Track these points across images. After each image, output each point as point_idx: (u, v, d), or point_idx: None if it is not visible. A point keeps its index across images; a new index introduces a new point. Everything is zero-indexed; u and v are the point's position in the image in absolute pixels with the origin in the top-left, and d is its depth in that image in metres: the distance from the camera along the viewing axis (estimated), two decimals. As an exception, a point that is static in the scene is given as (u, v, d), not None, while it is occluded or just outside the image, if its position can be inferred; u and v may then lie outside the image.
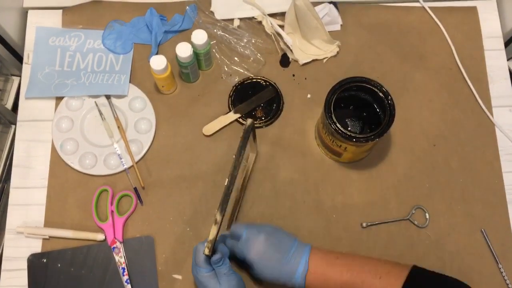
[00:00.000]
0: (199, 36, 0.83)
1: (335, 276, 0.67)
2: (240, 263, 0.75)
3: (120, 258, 0.79)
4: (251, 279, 0.77)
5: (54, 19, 0.94)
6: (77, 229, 0.80)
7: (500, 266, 0.80)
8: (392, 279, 0.65)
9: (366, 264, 0.69)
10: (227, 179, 0.67)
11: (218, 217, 0.65)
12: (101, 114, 0.87)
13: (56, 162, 0.85)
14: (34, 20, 0.95)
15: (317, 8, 0.93)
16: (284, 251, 0.69)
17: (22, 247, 0.80)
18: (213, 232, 0.65)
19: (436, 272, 0.67)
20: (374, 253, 0.80)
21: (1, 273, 0.80)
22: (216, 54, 0.92)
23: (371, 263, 0.69)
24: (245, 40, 0.92)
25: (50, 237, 0.80)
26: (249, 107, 0.88)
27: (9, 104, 1.01)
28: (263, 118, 0.88)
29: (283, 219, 0.82)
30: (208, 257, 0.66)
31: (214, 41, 0.92)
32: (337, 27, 0.94)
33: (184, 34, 0.94)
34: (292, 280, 0.68)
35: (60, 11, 0.95)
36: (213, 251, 0.67)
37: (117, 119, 0.87)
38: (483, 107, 0.89)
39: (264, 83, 0.91)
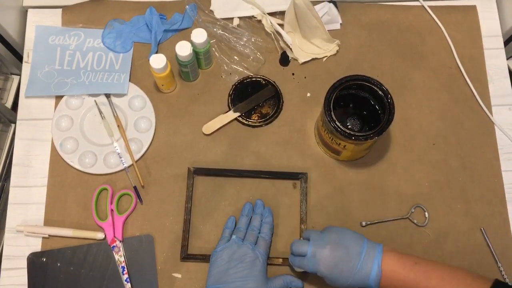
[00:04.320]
0: (199, 35, 0.83)
1: (410, 284, 0.66)
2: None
3: (120, 257, 0.79)
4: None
5: (54, 18, 0.94)
6: (77, 228, 0.80)
7: (500, 265, 0.80)
8: None
9: (446, 274, 0.66)
10: None
11: None
12: (101, 113, 0.87)
13: (56, 161, 0.85)
14: (34, 19, 0.95)
15: (317, 7, 0.93)
16: (354, 259, 0.67)
17: (21, 246, 0.80)
18: None
19: None
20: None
21: (1, 272, 0.80)
22: (216, 53, 0.92)
23: (452, 273, 0.66)
24: (244, 39, 0.92)
25: (49, 236, 0.80)
26: (249, 106, 0.88)
27: (9, 103, 1.01)
28: (262, 117, 0.88)
29: (282, 218, 0.82)
30: None
31: (214, 40, 0.92)
32: (337, 26, 0.95)
33: (183, 33, 0.94)
34: (366, 285, 0.67)
35: (60, 10, 0.95)
36: None
37: (117, 118, 0.87)
38: (483, 106, 0.89)
39: (263, 82, 0.91)
